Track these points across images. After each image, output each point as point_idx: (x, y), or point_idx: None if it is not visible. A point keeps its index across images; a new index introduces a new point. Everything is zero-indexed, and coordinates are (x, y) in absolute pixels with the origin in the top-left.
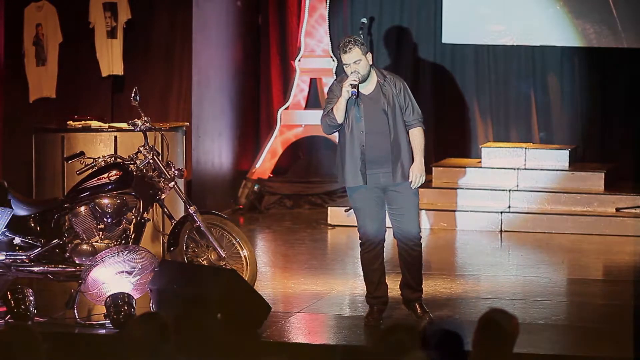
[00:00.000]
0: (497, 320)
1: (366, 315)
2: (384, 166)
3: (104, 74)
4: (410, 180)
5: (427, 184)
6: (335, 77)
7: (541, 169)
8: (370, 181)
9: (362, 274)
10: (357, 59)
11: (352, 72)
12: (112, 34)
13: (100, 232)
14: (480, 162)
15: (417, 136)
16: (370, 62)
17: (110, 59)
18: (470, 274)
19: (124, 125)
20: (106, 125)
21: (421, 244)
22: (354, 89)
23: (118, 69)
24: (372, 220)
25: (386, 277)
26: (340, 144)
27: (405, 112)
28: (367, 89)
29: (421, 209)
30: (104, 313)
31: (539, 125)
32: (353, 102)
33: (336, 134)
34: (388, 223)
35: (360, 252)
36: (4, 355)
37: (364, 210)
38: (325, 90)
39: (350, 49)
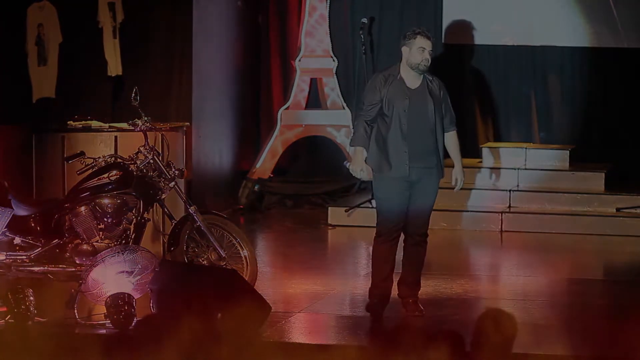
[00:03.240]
0: (496, 320)
1: (366, 305)
2: (424, 162)
3: (113, 73)
4: (453, 185)
5: None
6: (335, 77)
7: (541, 169)
8: (409, 175)
9: (362, 273)
10: (431, 49)
11: (423, 59)
12: (114, 34)
13: (101, 232)
14: (480, 162)
15: (454, 140)
16: None
17: (114, 58)
18: (470, 274)
19: (124, 125)
20: (106, 125)
21: (427, 240)
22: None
23: (119, 69)
24: (394, 212)
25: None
26: (382, 135)
27: (445, 113)
28: (413, 83)
29: None
30: (104, 313)
31: (539, 125)
32: (399, 94)
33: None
34: None
35: (375, 243)
36: (4, 355)
37: (389, 200)
38: (326, 90)
39: (428, 37)
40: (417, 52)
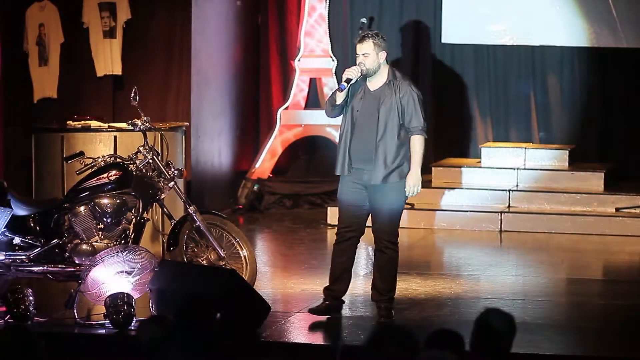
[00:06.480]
0: (493, 320)
1: (312, 308)
2: (368, 164)
3: (99, 73)
4: (405, 190)
5: (427, 184)
6: (335, 77)
7: (541, 169)
8: (355, 176)
9: (361, 273)
10: (365, 52)
11: (358, 63)
12: (110, 33)
13: (100, 232)
14: (480, 162)
15: (415, 144)
16: (381, 61)
17: (108, 59)
18: (470, 274)
19: (123, 125)
20: (106, 125)
21: (395, 248)
22: (345, 83)
23: (117, 69)
24: (346, 214)
25: (351, 273)
26: (339, 133)
27: (406, 117)
28: (374, 85)
29: (421, 209)
30: (104, 313)
31: (538, 125)
32: (358, 94)
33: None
34: (369, 223)
35: (334, 242)
36: (2, 356)
37: (341, 202)
38: (326, 90)
39: (363, 40)
40: (356, 57)
